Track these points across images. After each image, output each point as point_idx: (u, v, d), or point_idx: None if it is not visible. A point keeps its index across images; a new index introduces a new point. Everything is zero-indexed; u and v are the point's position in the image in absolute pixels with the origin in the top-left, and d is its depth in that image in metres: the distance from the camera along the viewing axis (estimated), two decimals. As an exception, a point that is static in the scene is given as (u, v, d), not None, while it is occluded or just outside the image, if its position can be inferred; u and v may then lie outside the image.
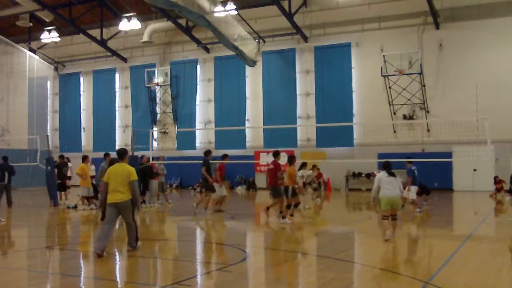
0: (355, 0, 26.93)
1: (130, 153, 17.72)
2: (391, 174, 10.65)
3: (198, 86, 31.57)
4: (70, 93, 35.83)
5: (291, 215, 13.80)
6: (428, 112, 25.74)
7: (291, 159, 13.82)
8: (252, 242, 11.25)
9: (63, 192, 19.82)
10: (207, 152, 16.40)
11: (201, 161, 15.95)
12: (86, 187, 17.30)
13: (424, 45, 25.90)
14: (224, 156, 16.79)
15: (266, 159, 28.73)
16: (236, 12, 26.16)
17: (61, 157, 20.39)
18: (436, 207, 18.74)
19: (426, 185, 17.77)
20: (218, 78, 30.82)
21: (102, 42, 31.97)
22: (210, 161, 16.17)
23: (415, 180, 16.29)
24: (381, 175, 10.77)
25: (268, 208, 14.56)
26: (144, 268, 8.51)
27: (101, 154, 32.40)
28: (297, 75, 28.85)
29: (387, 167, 10.78)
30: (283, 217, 13.11)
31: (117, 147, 33.43)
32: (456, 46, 25.30)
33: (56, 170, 19.42)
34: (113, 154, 15.47)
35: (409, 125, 26.00)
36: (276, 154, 14.15)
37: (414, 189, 16.19)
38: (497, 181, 21.54)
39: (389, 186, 10.50)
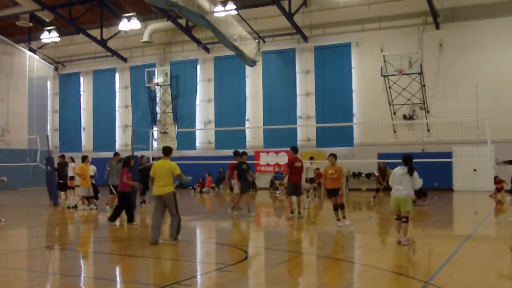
0: (355, 0, 26.92)
1: (130, 153, 17.82)
2: (409, 171, 9.85)
3: (198, 86, 31.57)
4: (70, 93, 35.83)
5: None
6: (428, 112, 25.74)
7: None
8: (252, 242, 11.25)
9: (62, 192, 19.83)
10: (242, 154, 15.47)
11: (202, 161, 15.85)
12: (85, 187, 17.31)
13: (424, 45, 25.89)
14: (243, 154, 15.70)
15: (266, 159, 28.78)
16: (236, 12, 26.16)
17: (62, 156, 20.39)
18: (436, 207, 18.74)
19: (422, 188, 17.80)
20: (218, 78, 30.82)
21: (102, 42, 31.97)
22: (197, 162, 15.98)
23: None
24: (396, 170, 10.05)
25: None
26: (144, 268, 8.51)
27: (101, 154, 32.71)
28: (297, 75, 28.85)
29: (406, 161, 9.93)
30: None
31: (117, 147, 33.53)
32: (456, 46, 25.30)
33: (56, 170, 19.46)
34: (123, 154, 15.53)
35: (409, 125, 26.00)
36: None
37: None
38: (497, 181, 21.55)
39: (398, 185, 9.86)
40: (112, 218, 13.19)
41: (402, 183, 9.88)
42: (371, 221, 14.71)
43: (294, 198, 14.40)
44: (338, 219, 12.45)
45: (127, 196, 13.29)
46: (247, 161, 15.75)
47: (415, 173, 9.99)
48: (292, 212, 14.26)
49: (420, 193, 17.48)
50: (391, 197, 10.08)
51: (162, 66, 32.21)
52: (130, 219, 13.22)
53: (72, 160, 22.39)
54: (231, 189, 28.69)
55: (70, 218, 15.78)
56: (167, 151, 10.62)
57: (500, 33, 24.52)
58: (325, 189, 12.62)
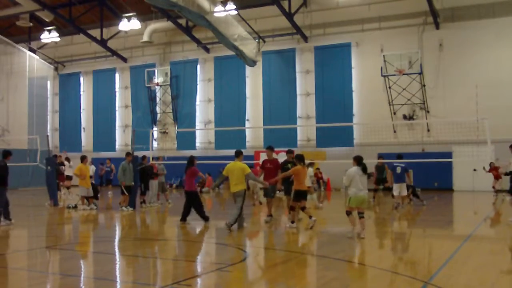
0: (355, 0, 26.93)
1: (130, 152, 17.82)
2: (365, 171, 10.89)
3: (198, 86, 31.58)
4: (70, 93, 35.84)
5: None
6: (428, 112, 25.74)
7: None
8: (252, 242, 11.25)
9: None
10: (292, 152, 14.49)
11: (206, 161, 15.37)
12: (85, 187, 17.31)
13: (424, 45, 25.90)
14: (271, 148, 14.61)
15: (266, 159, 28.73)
16: (236, 12, 26.16)
17: (55, 156, 20.63)
18: (436, 207, 18.74)
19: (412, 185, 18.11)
20: (218, 78, 30.82)
21: (102, 42, 31.97)
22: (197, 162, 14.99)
23: (397, 177, 16.69)
24: (355, 172, 10.86)
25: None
26: (144, 268, 8.51)
27: (101, 154, 32.73)
28: (297, 75, 28.85)
29: (361, 164, 10.94)
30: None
31: (117, 147, 33.57)
32: (456, 46, 25.30)
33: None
34: (122, 154, 15.40)
35: (409, 125, 26.00)
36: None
37: (396, 186, 16.71)
38: (492, 167, 21.19)
39: (361, 185, 10.77)
40: (183, 218, 13.23)
41: (364, 183, 10.86)
42: (371, 221, 14.71)
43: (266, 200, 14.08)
44: (292, 221, 12.47)
45: (195, 195, 13.35)
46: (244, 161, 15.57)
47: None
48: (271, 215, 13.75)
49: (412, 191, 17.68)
50: (354, 196, 10.80)
51: (162, 66, 32.21)
52: (206, 218, 13.21)
53: (68, 159, 22.52)
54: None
55: (70, 218, 15.78)
56: (238, 153, 12.29)
57: (500, 33, 24.52)
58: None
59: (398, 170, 16.74)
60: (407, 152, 23.99)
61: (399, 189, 16.72)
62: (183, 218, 13.27)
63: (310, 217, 12.27)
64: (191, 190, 13.45)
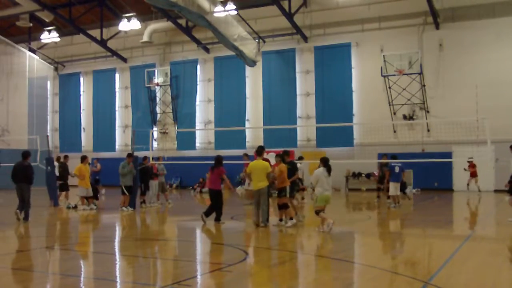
0: (355, 0, 26.93)
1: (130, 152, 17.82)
2: (329, 172, 11.62)
3: (198, 86, 31.57)
4: (70, 93, 35.84)
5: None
6: (428, 112, 25.74)
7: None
8: (252, 242, 11.25)
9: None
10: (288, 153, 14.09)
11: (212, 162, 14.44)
12: (84, 188, 17.32)
13: (424, 45, 25.90)
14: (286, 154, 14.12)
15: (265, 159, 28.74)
16: (236, 12, 26.16)
17: (65, 157, 20.78)
18: (436, 207, 18.76)
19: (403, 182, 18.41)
20: (218, 78, 30.82)
21: (102, 42, 31.97)
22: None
23: (396, 177, 16.79)
24: (321, 173, 11.59)
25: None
26: (144, 268, 8.51)
27: (101, 154, 32.70)
28: (297, 75, 28.85)
29: (327, 165, 11.67)
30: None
31: (117, 147, 33.56)
32: (456, 46, 25.30)
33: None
34: (122, 154, 15.46)
35: (409, 125, 26.00)
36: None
37: (393, 185, 16.76)
38: (470, 164, 21.19)
39: (327, 186, 11.56)
40: (217, 218, 13.18)
41: (329, 183, 11.67)
42: (371, 221, 14.72)
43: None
44: (280, 219, 12.69)
45: (219, 193, 13.33)
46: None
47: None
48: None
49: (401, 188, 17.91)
50: (321, 195, 11.55)
51: (162, 66, 32.21)
52: (219, 219, 13.17)
53: (57, 159, 22.59)
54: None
55: (70, 218, 15.78)
56: (260, 151, 12.49)
57: (500, 33, 24.52)
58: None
59: (397, 169, 16.90)
60: (407, 152, 24.05)
61: (395, 188, 16.81)
62: (217, 218, 13.21)
63: (281, 220, 12.62)
64: (216, 189, 13.39)
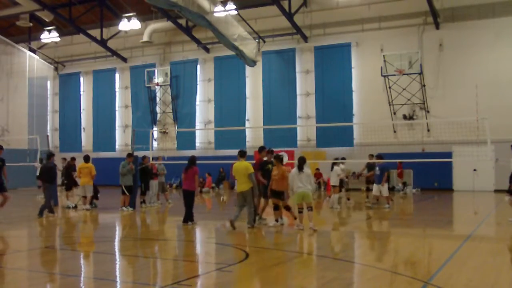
0: (355, 0, 26.93)
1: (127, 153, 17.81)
2: (299, 170, 11.85)
3: (198, 86, 31.58)
4: (70, 93, 35.84)
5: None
6: (428, 112, 25.75)
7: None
8: (252, 242, 11.25)
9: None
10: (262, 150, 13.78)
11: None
12: (83, 186, 17.31)
13: (424, 45, 25.90)
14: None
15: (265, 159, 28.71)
16: (236, 12, 26.16)
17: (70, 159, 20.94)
18: (436, 207, 18.75)
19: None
20: (218, 78, 30.83)
21: (102, 42, 31.97)
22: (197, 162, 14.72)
23: (376, 178, 16.80)
24: (294, 172, 12.02)
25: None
26: (144, 268, 8.51)
27: (101, 154, 32.65)
28: (297, 75, 28.86)
29: (299, 164, 11.98)
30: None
31: (117, 147, 33.56)
32: (456, 46, 25.30)
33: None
34: (122, 154, 15.44)
35: (409, 125, 26.01)
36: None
37: (375, 186, 16.83)
38: (398, 165, 20.66)
39: (300, 183, 11.84)
40: (185, 219, 13.07)
41: (301, 181, 11.87)
42: (371, 221, 14.72)
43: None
44: (277, 220, 12.70)
45: (193, 194, 13.27)
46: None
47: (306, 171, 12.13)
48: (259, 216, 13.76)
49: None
50: (295, 193, 11.99)
51: (162, 66, 32.21)
52: (187, 220, 13.12)
53: (41, 161, 22.76)
54: (232, 188, 28.75)
55: (70, 218, 15.77)
56: (242, 153, 12.47)
57: (500, 33, 24.52)
58: (270, 190, 12.60)
59: (377, 171, 16.80)
60: (407, 152, 24.06)
61: (378, 190, 16.74)
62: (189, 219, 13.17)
63: (277, 220, 12.59)
64: (191, 190, 13.33)
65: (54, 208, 16.10)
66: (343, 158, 17.81)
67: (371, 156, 18.96)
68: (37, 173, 18.94)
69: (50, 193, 15.36)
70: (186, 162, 13.85)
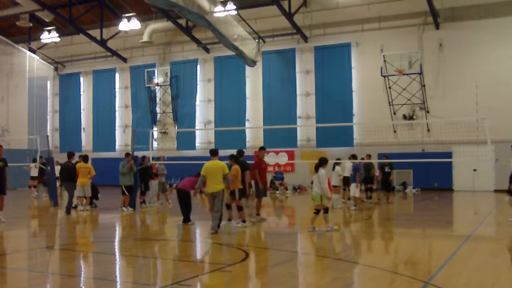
0: (355, 0, 26.92)
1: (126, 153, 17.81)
2: (316, 171, 11.60)
3: (198, 86, 31.57)
4: (70, 93, 35.83)
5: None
6: (428, 112, 25.74)
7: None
8: (252, 242, 11.25)
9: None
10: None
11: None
12: (80, 187, 17.27)
13: (424, 45, 25.90)
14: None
15: (266, 159, 28.54)
16: (236, 12, 26.16)
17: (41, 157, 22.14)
18: (436, 207, 18.75)
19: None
20: (218, 78, 30.82)
21: (102, 42, 31.96)
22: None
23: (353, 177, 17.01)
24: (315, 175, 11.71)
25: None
26: (144, 268, 8.51)
27: (101, 154, 32.61)
28: (297, 75, 28.85)
29: (315, 166, 11.71)
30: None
31: (117, 147, 33.54)
32: (456, 46, 25.30)
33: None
34: (122, 154, 15.44)
35: (409, 125, 26.00)
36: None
37: (353, 186, 16.90)
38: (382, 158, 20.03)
39: (313, 184, 11.82)
40: (186, 219, 13.05)
41: (314, 181, 11.67)
42: (371, 221, 14.72)
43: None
44: (244, 220, 12.55)
45: (188, 195, 13.26)
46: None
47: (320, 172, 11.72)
48: (258, 215, 13.75)
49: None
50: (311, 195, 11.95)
51: (162, 66, 32.20)
52: (187, 219, 13.16)
53: (34, 160, 22.94)
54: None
55: (70, 218, 15.77)
56: (215, 152, 11.93)
57: (500, 33, 24.52)
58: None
59: (356, 171, 17.02)
60: (407, 152, 24.06)
61: (354, 190, 16.87)
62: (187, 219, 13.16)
63: (244, 221, 12.50)
64: (187, 190, 13.29)
65: (56, 207, 16.13)
66: (338, 159, 17.85)
67: (368, 156, 19.09)
68: (57, 173, 19.22)
69: (72, 191, 16.11)
70: (186, 162, 13.84)
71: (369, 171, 18.82)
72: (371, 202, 18.63)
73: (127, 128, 33.17)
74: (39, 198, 22.31)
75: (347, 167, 17.66)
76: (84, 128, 35.23)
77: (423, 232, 12.71)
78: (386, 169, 18.80)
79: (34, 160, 23.44)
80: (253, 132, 29.38)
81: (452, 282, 7.04)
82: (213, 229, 11.40)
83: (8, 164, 14.02)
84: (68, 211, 15.82)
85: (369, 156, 19.52)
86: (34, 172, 23.59)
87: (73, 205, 17.82)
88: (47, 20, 32.00)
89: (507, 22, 24.50)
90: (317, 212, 11.72)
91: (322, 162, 11.76)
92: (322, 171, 11.60)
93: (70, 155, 16.60)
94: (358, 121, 27.15)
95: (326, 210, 11.69)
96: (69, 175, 16.12)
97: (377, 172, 19.26)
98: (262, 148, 14.50)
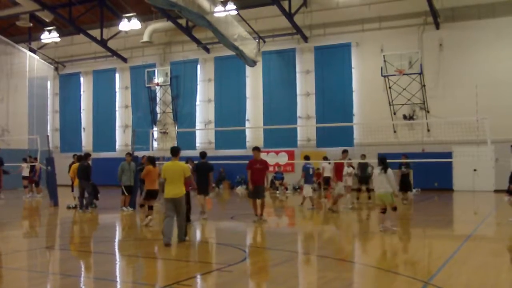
0: (355, 0, 26.92)
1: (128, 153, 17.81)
2: (383, 170, 11.51)
3: (198, 86, 31.57)
4: (70, 93, 35.83)
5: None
6: (428, 112, 25.74)
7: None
8: (252, 242, 11.25)
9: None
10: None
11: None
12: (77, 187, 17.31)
13: (424, 45, 25.89)
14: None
15: (266, 159, 28.47)
16: (236, 12, 26.15)
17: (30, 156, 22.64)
18: (436, 207, 18.75)
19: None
20: (218, 78, 30.82)
21: (102, 42, 31.96)
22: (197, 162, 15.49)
23: (309, 178, 17.09)
24: (376, 171, 11.85)
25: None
26: (144, 268, 8.51)
27: (101, 154, 32.61)
28: (297, 75, 28.85)
29: (380, 163, 11.69)
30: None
31: (117, 147, 33.54)
32: (456, 46, 25.29)
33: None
34: (122, 154, 15.44)
35: (409, 125, 26.00)
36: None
37: (307, 187, 17.00)
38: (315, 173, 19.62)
39: (378, 183, 11.64)
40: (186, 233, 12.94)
41: (382, 181, 11.58)
42: (371, 221, 14.73)
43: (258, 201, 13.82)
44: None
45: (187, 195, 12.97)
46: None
47: (388, 172, 11.63)
48: (257, 215, 13.71)
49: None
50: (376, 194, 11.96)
51: (162, 66, 32.20)
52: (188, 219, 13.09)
53: (25, 160, 22.90)
54: (232, 188, 28.77)
55: (70, 218, 15.78)
56: (175, 151, 10.45)
57: (500, 33, 24.51)
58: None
59: (310, 171, 17.02)
60: (407, 152, 24.02)
61: (309, 190, 16.97)
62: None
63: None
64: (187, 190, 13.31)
65: (56, 207, 16.11)
66: (325, 157, 18.17)
67: (363, 156, 19.15)
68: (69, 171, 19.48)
69: (90, 189, 16.91)
70: (186, 162, 13.83)
71: (364, 171, 18.83)
72: (360, 203, 18.64)
73: (127, 128, 33.17)
74: (33, 199, 21.68)
75: (326, 168, 17.91)
76: (84, 128, 35.22)
77: (423, 232, 12.71)
78: (403, 169, 18.75)
79: (25, 160, 23.23)
80: (253, 132, 29.38)
81: (452, 282, 7.05)
82: (181, 238, 10.24)
83: (5, 164, 14.02)
84: (86, 207, 16.61)
85: (363, 156, 19.55)
86: (26, 172, 23.05)
87: (74, 205, 17.86)
88: (47, 20, 31.99)
89: (507, 22, 24.49)
90: (384, 211, 11.81)
91: (383, 161, 11.74)
92: (390, 171, 11.59)
93: (87, 155, 17.55)
94: (358, 121, 27.14)
95: (394, 208, 11.87)
96: (86, 174, 16.83)
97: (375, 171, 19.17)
98: (255, 149, 14.48)
